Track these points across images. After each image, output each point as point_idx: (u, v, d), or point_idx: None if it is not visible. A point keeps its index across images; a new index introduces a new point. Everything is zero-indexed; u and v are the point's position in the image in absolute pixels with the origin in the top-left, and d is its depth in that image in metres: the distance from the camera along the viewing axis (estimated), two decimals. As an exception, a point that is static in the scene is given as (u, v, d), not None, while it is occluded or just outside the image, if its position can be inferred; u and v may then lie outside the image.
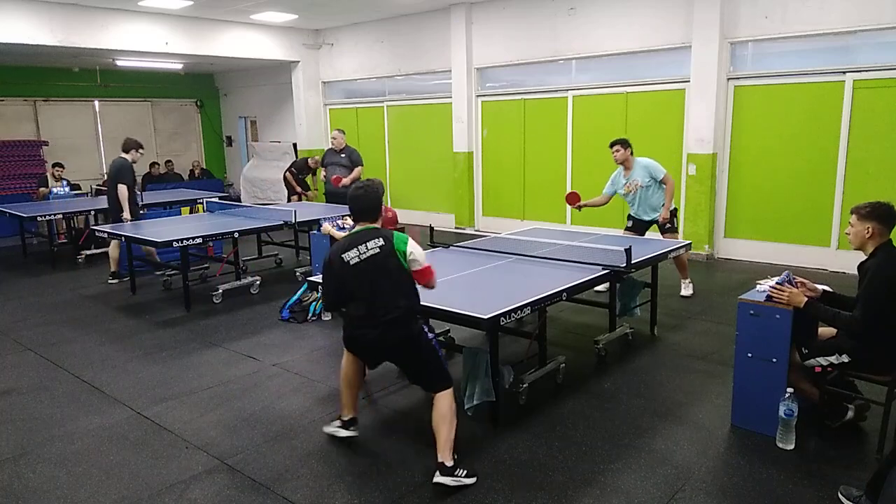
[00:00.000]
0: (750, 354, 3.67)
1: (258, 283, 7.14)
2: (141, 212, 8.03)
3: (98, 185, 12.00)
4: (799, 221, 7.68)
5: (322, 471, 3.46)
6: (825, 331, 3.73)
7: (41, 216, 8.71)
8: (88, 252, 9.14)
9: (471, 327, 3.74)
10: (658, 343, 5.32)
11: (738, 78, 7.97)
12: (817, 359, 3.56)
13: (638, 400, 4.23)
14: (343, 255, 3.31)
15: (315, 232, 6.67)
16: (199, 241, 6.56)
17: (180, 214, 8.85)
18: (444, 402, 3.34)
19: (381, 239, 3.31)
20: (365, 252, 3.29)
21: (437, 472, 3.21)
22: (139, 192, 8.00)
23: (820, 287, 3.71)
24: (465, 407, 3.79)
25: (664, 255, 5.23)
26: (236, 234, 6.81)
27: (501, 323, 3.51)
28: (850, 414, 3.66)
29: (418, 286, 3.42)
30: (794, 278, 3.67)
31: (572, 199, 6.64)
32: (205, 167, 15.75)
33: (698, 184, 8.18)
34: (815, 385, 3.63)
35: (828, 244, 7.49)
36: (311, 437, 3.77)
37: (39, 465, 3.59)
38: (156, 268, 7.76)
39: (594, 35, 9.02)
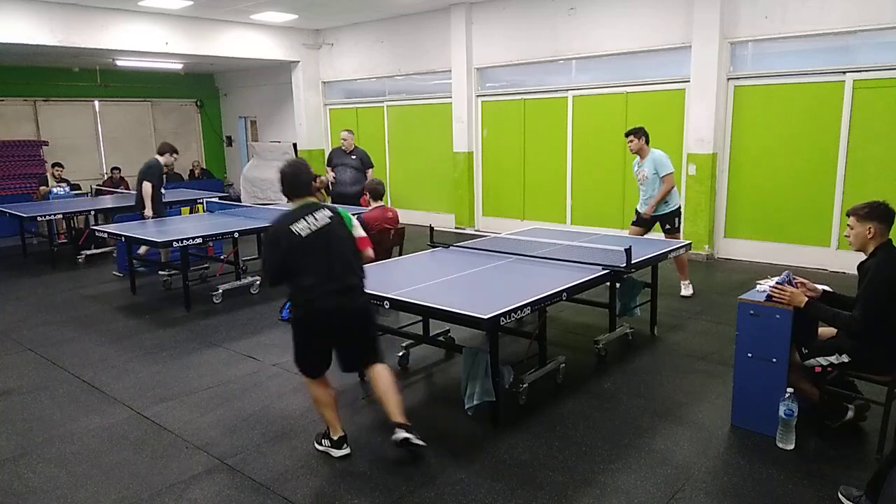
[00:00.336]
0: (750, 354, 3.67)
1: (258, 283, 7.14)
2: (167, 209, 8.31)
3: (98, 186, 12.01)
4: (799, 221, 7.68)
5: (322, 471, 3.46)
6: (825, 331, 3.73)
7: (41, 216, 8.71)
8: (88, 252, 9.15)
9: (471, 327, 3.73)
10: (658, 343, 5.32)
11: (738, 78, 7.97)
12: (817, 359, 3.55)
13: (638, 400, 4.23)
14: (292, 228, 3.33)
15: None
16: (199, 241, 6.57)
17: (180, 214, 8.85)
18: (386, 370, 3.55)
19: (327, 210, 3.45)
20: (315, 224, 3.36)
21: (402, 430, 3.37)
22: (163, 192, 8.27)
23: (820, 287, 3.71)
24: (466, 407, 3.79)
25: (664, 255, 5.23)
26: (236, 234, 6.81)
27: (501, 323, 3.51)
28: (850, 414, 3.66)
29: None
30: (794, 278, 3.67)
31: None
32: (205, 167, 15.76)
33: (698, 184, 8.18)
34: (815, 385, 3.63)
35: (828, 244, 7.49)
36: (311, 438, 3.76)
37: (39, 465, 3.59)
38: (160, 267, 7.75)
39: (594, 35, 9.02)
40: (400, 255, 6.16)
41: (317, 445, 3.65)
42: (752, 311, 3.63)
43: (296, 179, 3.48)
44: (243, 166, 14.62)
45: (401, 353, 4.84)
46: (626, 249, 4.40)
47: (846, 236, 3.56)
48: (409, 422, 3.45)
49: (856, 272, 3.58)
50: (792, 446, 3.52)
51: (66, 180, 10.89)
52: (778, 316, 3.53)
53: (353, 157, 8.61)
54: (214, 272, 7.75)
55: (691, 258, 7.98)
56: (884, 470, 2.81)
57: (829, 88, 7.31)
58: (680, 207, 6.56)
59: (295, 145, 13.26)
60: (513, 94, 10.25)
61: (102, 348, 5.47)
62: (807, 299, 3.47)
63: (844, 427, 3.67)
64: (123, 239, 6.91)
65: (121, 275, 7.92)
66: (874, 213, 3.42)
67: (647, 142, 6.39)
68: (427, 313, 4.24)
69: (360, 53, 12.17)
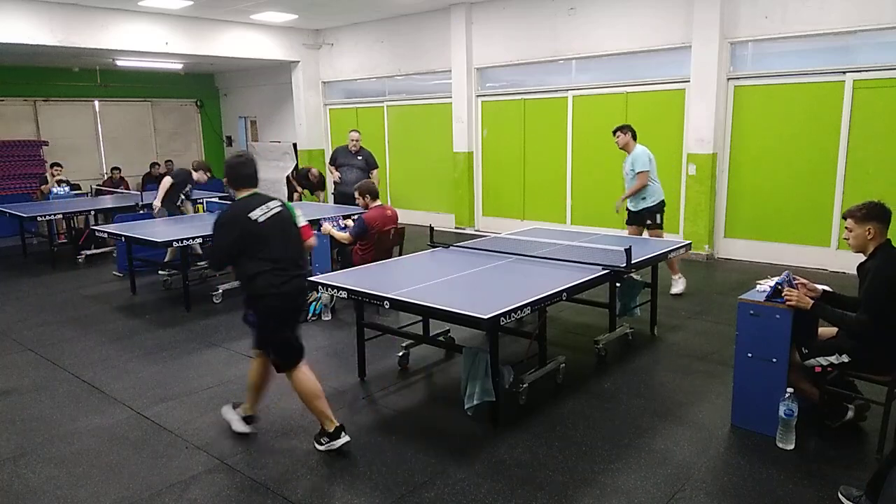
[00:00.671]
0: (750, 354, 3.67)
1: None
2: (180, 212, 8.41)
3: (98, 186, 12.01)
4: (799, 221, 7.68)
5: (322, 471, 3.46)
6: (825, 331, 3.73)
7: (41, 216, 8.72)
8: (88, 252, 9.15)
9: (471, 327, 3.73)
10: (658, 343, 5.32)
11: (738, 78, 7.97)
12: (817, 359, 3.55)
13: (638, 400, 4.23)
14: (250, 215, 3.47)
15: (315, 232, 6.65)
16: (199, 241, 6.56)
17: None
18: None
19: (276, 200, 3.63)
20: (269, 211, 3.53)
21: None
22: (184, 197, 8.44)
23: (820, 287, 3.71)
24: (466, 407, 3.79)
25: (664, 255, 5.23)
26: (236, 234, 6.78)
27: (501, 323, 3.51)
28: (850, 414, 3.66)
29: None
30: (793, 278, 3.67)
31: None
32: (205, 167, 15.73)
33: (698, 184, 8.18)
34: (815, 385, 3.63)
35: (828, 244, 7.49)
36: (311, 437, 3.76)
37: (39, 465, 3.59)
38: (162, 266, 7.72)
39: (594, 35, 9.02)
40: (400, 255, 6.17)
41: (318, 446, 3.64)
42: (752, 311, 3.63)
43: (242, 170, 3.63)
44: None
45: (401, 353, 4.84)
46: (626, 249, 4.41)
47: (845, 239, 3.56)
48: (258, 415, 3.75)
49: (855, 272, 3.58)
50: (792, 446, 3.52)
51: (65, 180, 10.87)
52: (778, 316, 3.53)
53: (359, 157, 8.62)
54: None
55: (691, 258, 7.99)
56: (884, 470, 2.81)
57: (829, 88, 7.31)
58: (662, 203, 6.59)
59: (295, 145, 13.25)
60: (513, 94, 10.25)
61: (102, 348, 5.47)
62: (813, 301, 3.47)
63: (844, 427, 3.67)
64: (123, 239, 6.91)
65: (121, 275, 7.94)
66: (871, 213, 3.42)
67: (633, 137, 6.51)
68: (427, 313, 4.25)
69: (360, 53, 12.17)
